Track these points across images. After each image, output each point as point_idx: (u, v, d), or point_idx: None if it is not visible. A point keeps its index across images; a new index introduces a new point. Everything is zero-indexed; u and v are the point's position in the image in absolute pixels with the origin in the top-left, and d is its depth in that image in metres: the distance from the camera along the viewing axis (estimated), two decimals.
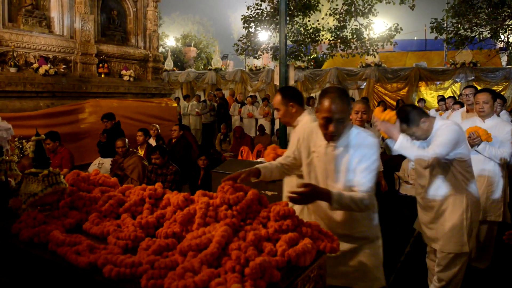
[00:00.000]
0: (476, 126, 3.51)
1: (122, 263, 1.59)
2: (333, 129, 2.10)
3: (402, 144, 2.71)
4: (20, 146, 5.72)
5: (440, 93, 11.11)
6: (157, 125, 7.50)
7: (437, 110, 8.78)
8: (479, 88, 4.99)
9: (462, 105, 5.47)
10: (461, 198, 2.83)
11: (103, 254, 1.68)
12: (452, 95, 11.16)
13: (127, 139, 5.69)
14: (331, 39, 12.35)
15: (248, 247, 1.61)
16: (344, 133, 2.17)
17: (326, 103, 2.09)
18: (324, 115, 2.10)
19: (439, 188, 2.89)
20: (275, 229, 1.77)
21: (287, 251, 1.61)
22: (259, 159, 6.83)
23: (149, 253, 1.67)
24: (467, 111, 4.49)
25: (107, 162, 6.01)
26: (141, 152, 6.29)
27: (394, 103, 10.74)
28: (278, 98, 2.82)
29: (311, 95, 12.77)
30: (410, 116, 2.86)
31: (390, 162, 7.35)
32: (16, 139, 5.45)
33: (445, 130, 2.76)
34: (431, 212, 2.95)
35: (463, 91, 4.97)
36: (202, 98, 13.05)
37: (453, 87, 11.29)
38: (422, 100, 9.93)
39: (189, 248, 1.63)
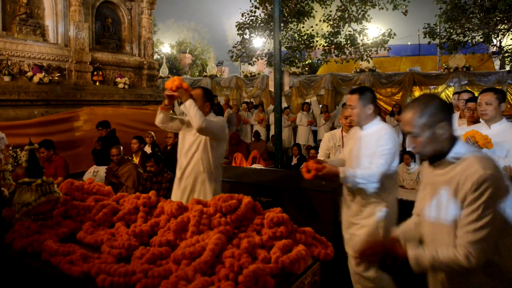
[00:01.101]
0: (473, 130, 3.11)
1: (116, 272, 1.58)
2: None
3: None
4: (14, 155, 5.69)
5: None
6: (152, 133, 7.49)
7: None
8: (476, 94, 4.47)
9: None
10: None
11: (96, 264, 1.67)
12: (446, 99, 11.25)
13: (122, 147, 5.68)
14: (325, 45, 12.43)
15: (242, 255, 1.61)
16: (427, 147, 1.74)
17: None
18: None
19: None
20: (269, 236, 1.78)
21: (281, 258, 1.62)
22: (254, 165, 6.84)
23: (143, 262, 1.67)
24: (460, 117, 4.26)
25: (102, 170, 5.99)
26: (136, 160, 6.27)
27: (390, 108, 10.79)
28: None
29: (306, 100, 12.81)
30: None
31: None
32: (10, 148, 5.43)
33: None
34: None
35: (458, 96, 4.60)
36: None
37: (447, 91, 11.36)
38: None
39: (182, 257, 1.63)
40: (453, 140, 1.69)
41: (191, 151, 3.23)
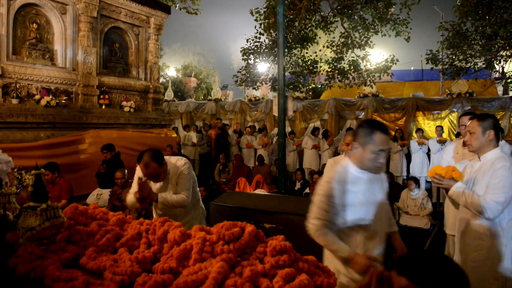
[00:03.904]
0: (437, 166, 2.86)
1: None
2: None
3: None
4: (19, 177, 5.73)
5: (438, 123, 11.20)
6: None
7: (438, 141, 8.74)
8: None
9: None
10: None
11: None
12: (449, 125, 11.27)
13: (126, 170, 5.70)
14: (328, 70, 12.57)
15: (245, 284, 1.60)
16: None
17: None
18: None
19: None
20: (271, 264, 1.77)
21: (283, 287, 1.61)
22: (258, 190, 6.83)
23: None
24: (464, 144, 3.95)
25: (106, 193, 6.01)
26: None
27: (393, 133, 10.81)
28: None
29: (310, 124, 12.88)
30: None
31: (389, 192, 7.34)
32: (15, 170, 5.47)
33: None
34: None
35: (460, 119, 4.15)
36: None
37: (450, 116, 11.39)
38: (420, 130, 10.00)
39: (185, 285, 1.62)
40: None
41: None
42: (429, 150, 9.33)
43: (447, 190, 2.78)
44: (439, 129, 9.15)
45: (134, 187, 3.34)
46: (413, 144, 9.49)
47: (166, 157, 3.28)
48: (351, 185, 2.31)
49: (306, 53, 12.70)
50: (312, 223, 2.32)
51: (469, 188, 2.72)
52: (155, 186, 3.26)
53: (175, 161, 3.30)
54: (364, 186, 2.34)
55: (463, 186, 2.72)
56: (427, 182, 9.22)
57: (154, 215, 3.46)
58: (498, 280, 2.61)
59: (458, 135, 8.13)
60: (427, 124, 11.65)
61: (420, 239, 5.70)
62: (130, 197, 3.28)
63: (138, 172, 3.30)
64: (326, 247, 2.34)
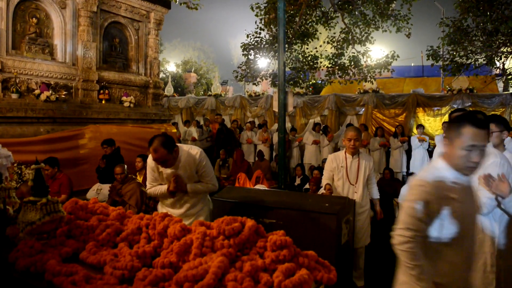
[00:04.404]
0: None
1: None
2: None
3: None
4: (19, 172, 5.72)
5: (438, 119, 11.20)
6: None
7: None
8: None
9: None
10: None
11: (99, 285, 1.67)
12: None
13: (126, 165, 5.70)
14: (329, 66, 12.55)
15: (245, 278, 1.60)
16: None
17: None
18: None
19: None
20: (271, 259, 1.77)
21: (283, 282, 1.61)
22: (258, 185, 6.83)
23: (146, 284, 1.67)
24: None
25: (106, 188, 6.00)
26: (140, 179, 6.28)
27: (393, 129, 10.81)
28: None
29: (310, 120, 12.87)
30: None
31: (389, 188, 7.36)
32: (15, 164, 5.46)
33: None
34: None
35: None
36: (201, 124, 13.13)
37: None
38: (420, 126, 9.99)
39: (185, 279, 1.63)
40: None
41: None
42: (429, 146, 9.33)
43: None
44: (446, 125, 9.14)
45: (150, 177, 3.39)
46: (414, 141, 9.49)
47: (178, 145, 3.29)
48: (447, 191, 1.96)
49: (307, 48, 12.67)
50: (401, 234, 1.95)
51: None
52: (165, 171, 3.28)
53: (187, 149, 3.31)
54: (462, 193, 1.99)
55: None
56: None
57: (161, 209, 3.48)
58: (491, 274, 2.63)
59: None
60: (427, 121, 11.64)
61: None
62: (160, 189, 3.32)
63: (150, 160, 3.35)
64: (407, 267, 1.95)
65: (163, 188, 3.29)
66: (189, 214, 3.38)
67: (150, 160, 3.33)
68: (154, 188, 3.39)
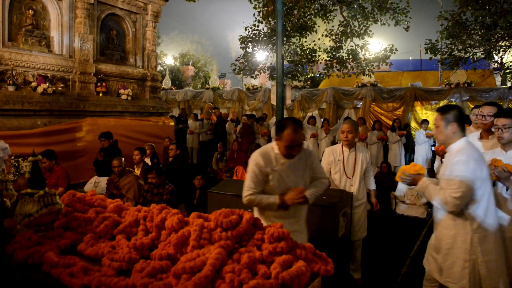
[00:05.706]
0: (407, 165, 2.91)
1: (116, 285, 1.59)
2: None
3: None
4: (16, 165, 5.71)
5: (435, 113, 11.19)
6: (153, 144, 7.52)
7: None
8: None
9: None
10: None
11: (97, 276, 1.68)
12: None
13: (123, 158, 5.69)
14: (327, 59, 12.53)
15: (242, 270, 1.61)
16: None
17: None
18: None
19: None
20: (269, 251, 1.78)
21: (281, 274, 1.62)
22: None
23: (143, 276, 1.67)
24: (481, 137, 3.43)
25: (103, 181, 5.99)
26: (138, 171, 6.28)
27: (390, 123, 10.80)
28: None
29: (308, 113, 12.86)
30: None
31: (386, 182, 7.38)
32: (12, 157, 5.44)
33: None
34: None
35: (480, 110, 3.47)
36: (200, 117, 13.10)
37: None
38: (425, 121, 9.86)
39: (183, 271, 1.63)
40: None
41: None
42: (434, 142, 9.32)
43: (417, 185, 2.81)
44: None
45: (252, 181, 2.70)
46: (419, 136, 9.40)
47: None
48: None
49: (305, 41, 12.63)
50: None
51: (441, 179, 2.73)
52: (285, 162, 2.72)
53: None
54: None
55: (428, 181, 2.77)
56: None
57: (265, 222, 2.56)
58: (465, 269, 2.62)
59: None
60: (425, 114, 11.65)
61: (416, 228, 5.74)
62: (268, 200, 2.67)
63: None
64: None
65: (272, 199, 2.66)
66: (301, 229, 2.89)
67: (258, 159, 2.71)
68: (256, 196, 2.69)
